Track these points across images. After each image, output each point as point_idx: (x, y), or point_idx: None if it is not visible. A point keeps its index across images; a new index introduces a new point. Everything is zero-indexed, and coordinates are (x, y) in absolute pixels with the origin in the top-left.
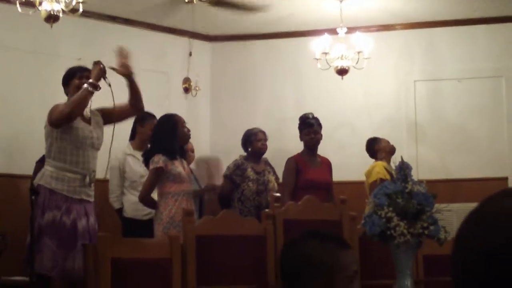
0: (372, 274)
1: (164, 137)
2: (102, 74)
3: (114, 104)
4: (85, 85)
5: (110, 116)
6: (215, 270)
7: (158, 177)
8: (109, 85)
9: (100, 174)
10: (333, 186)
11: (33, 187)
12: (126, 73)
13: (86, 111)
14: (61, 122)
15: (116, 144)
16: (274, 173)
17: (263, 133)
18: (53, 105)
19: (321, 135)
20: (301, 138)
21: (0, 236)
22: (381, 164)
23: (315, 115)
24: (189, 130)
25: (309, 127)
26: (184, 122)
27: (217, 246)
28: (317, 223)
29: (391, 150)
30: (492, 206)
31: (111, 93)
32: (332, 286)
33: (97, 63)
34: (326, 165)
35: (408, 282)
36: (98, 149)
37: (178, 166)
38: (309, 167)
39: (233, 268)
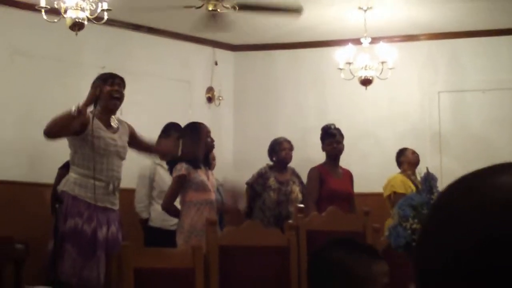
0: (398, 286)
1: (188, 146)
2: (92, 96)
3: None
4: (73, 108)
5: (136, 143)
6: (238, 281)
7: (180, 185)
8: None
9: (127, 183)
10: (354, 197)
11: (57, 195)
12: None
13: (114, 120)
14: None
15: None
16: (301, 183)
17: (288, 142)
18: None
19: (343, 145)
20: (323, 149)
21: (23, 245)
22: (397, 177)
23: (338, 125)
24: (213, 140)
25: (332, 137)
26: (209, 131)
27: (240, 256)
28: (341, 235)
29: (414, 162)
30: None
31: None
32: None
33: (95, 87)
34: (348, 176)
35: None
36: (123, 158)
37: (201, 175)
38: (331, 177)
39: (256, 279)
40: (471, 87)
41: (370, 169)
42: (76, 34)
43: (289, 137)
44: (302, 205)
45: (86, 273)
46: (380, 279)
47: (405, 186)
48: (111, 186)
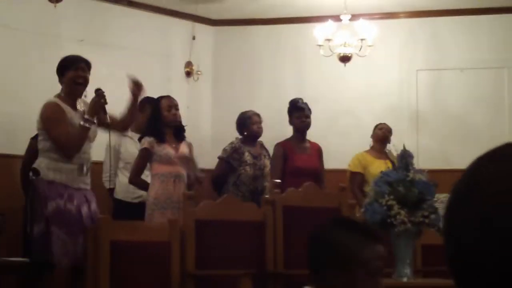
0: None
1: (150, 121)
2: (99, 108)
3: (106, 117)
4: (81, 123)
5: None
6: (214, 254)
7: (144, 159)
8: (108, 125)
9: (95, 156)
10: (323, 173)
11: (34, 168)
12: (136, 93)
13: (80, 103)
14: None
15: None
16: (269, 157)
17: (258, 115)
18: (56, 87)
19: (311, 120)
20: (291, 122)
21: (1, 216)
22: (357, 155)
23: (317, 102)
24: (175, 113)
25: (301, 111)
26: (169, 104)
27: (217, 230)
28: (316, 210)
29: (381, 137)
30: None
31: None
32: (353, 279)
33: (98, 95)
34: (316, 151)
35: (408, 270)
36: (92, 141)
37: (166, 148)
38: (296, 153)
39: (232, 253)
40: (450, 66)
41: (348, 146)
42: (55, 6)
43: (267, 113)
44: (279, 180)
45: (80, 250)
46: (373, 262)
47: (361, 164)
48: (84, 169)
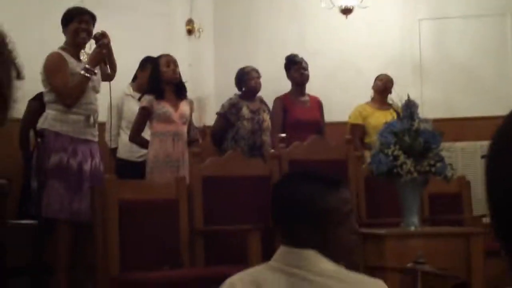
0: (379, 213)
1: (150, 79)
2: (100, 57)
3: (107, 68)
4: (82, 72)
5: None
6: (222, 210)
7: (143, 117)
8: (109, 76)
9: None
10: (324, 125)
11: (38, 131)
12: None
13: (83, 54)
14: (59, 100)
15: (116, 85)
16: (269, 111)
17: (256, 71)
18: (58, 45)
19: (309, 73)
20: (289, 76)
21: (5, 180)
22: (356, 107)
23: (318, 55)
24: (174, 68)
25: (298, 64)
26: (167, 60)
27: (223, 186)
28: (323, 163)
29: (381, 88)
30: None
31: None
32: (322, 230)
33: (100, 45)
34: (316, 104)
35: (415, 219)
36: (98, 91)
37: (165, 106)
38: (296, 106)
39: (239, 208)
40: (453, 14)
41: (350, 98)
42: None
43: (269, 68)
44: (284, 135)
45: (76, 206)
46: (340, 209)
47: (362, 115)
48: (91, 119)
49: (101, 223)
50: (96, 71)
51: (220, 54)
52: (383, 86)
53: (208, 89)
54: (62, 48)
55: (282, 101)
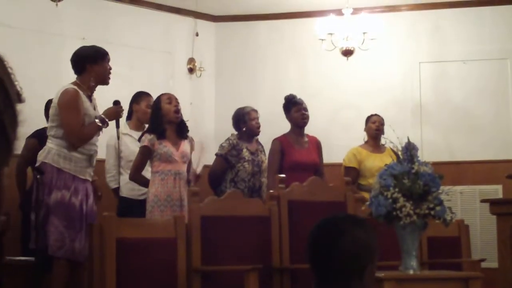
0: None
1: (151, 118)
2: (117, 117)
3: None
4: (97, 121)
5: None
6: (220, 250)
7: (144, 156)
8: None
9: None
10: (322, 166)
11: (39, 166)
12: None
13: (94, 98)
14: (68, 138)
15: (112, 124)
16: (265, 152)
17: (256, 111)
18: (58, 85)
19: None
20: (289, 117)
21: (5, 216)
22: (350, 150)
23: (320, 97)
24: (176, 105)
25: (299, 105)
26: (169, 97)
27: (222, 226)
28: (322, 205)
29: (375, 132)
30: None
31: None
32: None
33: (119, 106)
34: (314, 144)
35: (414, 262)
36: (99, 134)
37: (167, 145)
38: (294, 148)
39: (237, 249)
40: (452, 58)
41: (351, 140)
42: (57, 4)
43: (269, 108)
44: (283, 175)
45: (78, 245)
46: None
47: (357, 159)
48: (93, 159)
49: (98, 261)
50: (108, 125)
51: (221, 93)
52: (376, 128)
53: (208, 128)
54: (78, 86)
55: (281, 143)
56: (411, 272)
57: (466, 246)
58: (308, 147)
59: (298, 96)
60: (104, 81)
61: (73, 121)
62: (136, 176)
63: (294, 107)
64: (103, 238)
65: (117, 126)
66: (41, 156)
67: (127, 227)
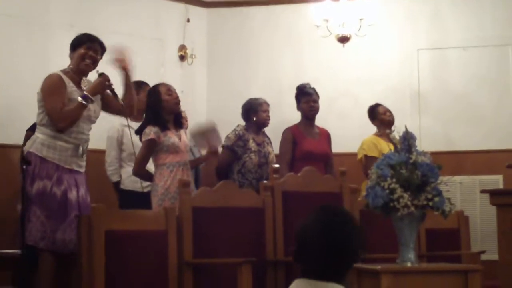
0: (374, 248)
1: (151, 109)
2: (102, 89)
3: (119, 100)
4: (79, 99)
5: (107, 104)
6: (212, 242)
7: (150, 150)
8: (121, 110)
9: (96, 144)
10: (332, 158)
11: (24, 156)
12: (123, 66)
13: (84, 82)
14: (51, 122)
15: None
16: (271, 144)
17: (268, 104)
18: (47, 74)
19: (319, 105)
20: (299, 108)
21: None
22: (370, 139)
23: (315, 84)
24: (176, 97)
25: (308, 96)
26: (168, 88)
27: (214, 218)
28: (317, 196)
29: (386, 121)
30: None
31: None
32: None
33: (102, 77)
34: (325, 136)
35: (412, 255)
36: (94, 122)
37: (172, 136)
38: (306, 138)
39: (230, 241)
40: (452, 45)
41: (348, 129)
42: None
43: (263, 96)
44: (278, 165)
45: (60, 236)
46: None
47: (378, 148)
48: (80, 149)
49: (87, 253)
50: (94, 100)
51: (213, 81)
52: (388, 118)
53: (199, 117)
54: (64, 71)
55: (292, 132)
56: (409, 264)
57: (466, 238)
58: (319, 138)
59: (309, 86)
60: (78, 67)
61: (54, 106)
62: (142, 170)
63: (303, 98)
64: (91, 230)
65: (114, 95)
66: (27, 146)
67: (117, 219)
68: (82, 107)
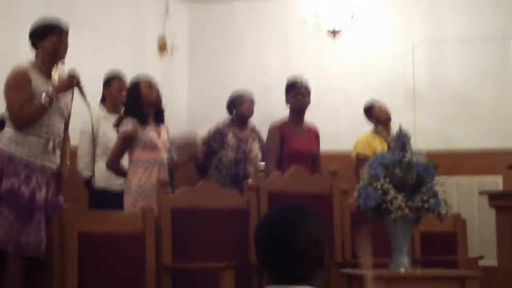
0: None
1: (130, 102)
2: (68, 88)
3: (86, 101)
4: (43, 96)
5: None
6: (192, 245)
7: (126, 143)
8: (84, 98)
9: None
10: (319, 157)
11: None
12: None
13: (55, 71)
14: (10, 120)
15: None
16: (260, 141)
17: (250, 95)
18: (14, 66)
19: (309, 100)
20: (287, 101)
21: None
22: (364, 137)
23: (304, 79)
24: (158, 90)
25: (296, 89)
26: (149, 81)
27: (195, 219)
28: (305, 196)
29: (383, 119)
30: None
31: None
32: (322, 266)
33: (72, 77)
34: (313, 133)
35: (405, 260)
36: (65, 117)
37: (150, 132)
38: (294, 135)
39: (212, 244)
40: (449, 38)
41: (339, 126)
42: None
43: (249, 91)
44: (263, 163)
45: (24, 239)
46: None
47: (371, 147)
48: (51, 144)
49: (58, 256)
50: (56, 101)
51: (194, 75)
52: (385, 115)
53: (180, 113)
54: (32, 64)
55: (280, 129)
56: (402, 270)
57: (463, 242)
58: (307, 136)
59: (300, 79)
60: (55, 57)
61: (13, 101)
62: (115, 165)
63: (291, 92)
64: (64, 232)
65: (82, 95)
66: None
67: (91, 220)
68: (43, 108)
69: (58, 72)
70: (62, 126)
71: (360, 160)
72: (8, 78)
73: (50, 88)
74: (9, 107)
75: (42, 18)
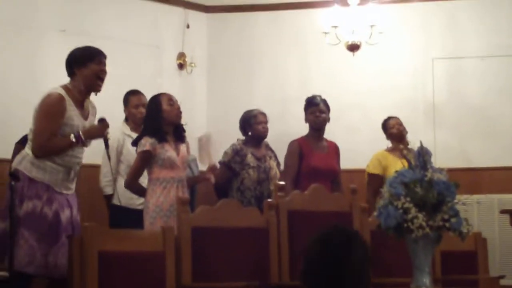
0: (387, 271)
1: (150, 119)
2: (98, 136)
3: (107, 152)
4: (72, 137)
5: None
6: (212, 265)
7: (145, 162)
8: (107, 148)
9: (90, 158)
10: (340, 174)
11: (13, 172)
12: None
13: (88, 101)
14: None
15: (112, 124)
16: (276, 158)
17: (264, 115)
18: (35, 82)
19: (328, 117)
20: (306, 119)
21: None
22: (377, 155)
23: (323, 95)
24: (178, 108)
25: (314, 106)
26: (170, 98)
27: (215, 238)
28: (325, 215)
29: (396, 135)
30: None
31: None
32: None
33: (103, 124)
34: (333, 150)
35: (427, 279)
36: (87, 146)
37: (169, 150)
38: (313, 152)
39: (232, 263)
40: (468, 54)
41: (357, 143)
42: None
43: (267, 108)
44: (283, 182)
45: (52, 260)
46: None
47: (382, 164)
48: (72, 173)
49: (78, 277)
50: (86, 145)
51: (214, 91)
52: (398, 131)
53: (199, 129)
54: (66, 89)
55: (299, 145)
56: None
57: (484, 261)
58: (327, 152)
59: (319, 96)
60: (92, 86)
61: (42, 129)
62: (134, 184)
63: (309, 109)
64: (84, 252)
65: (106, 146)
66: (16, 162)
67: (111, 239)
68: (70, 146)
69: (90, 106)
70: (82, 155)
71: (371, 178)
72: (44, 102)
73: (81, 131)
74: (37, 133)
75: (82, 46)
